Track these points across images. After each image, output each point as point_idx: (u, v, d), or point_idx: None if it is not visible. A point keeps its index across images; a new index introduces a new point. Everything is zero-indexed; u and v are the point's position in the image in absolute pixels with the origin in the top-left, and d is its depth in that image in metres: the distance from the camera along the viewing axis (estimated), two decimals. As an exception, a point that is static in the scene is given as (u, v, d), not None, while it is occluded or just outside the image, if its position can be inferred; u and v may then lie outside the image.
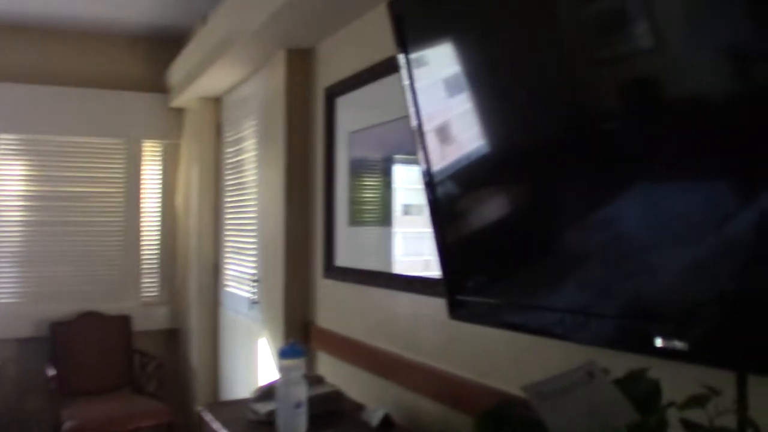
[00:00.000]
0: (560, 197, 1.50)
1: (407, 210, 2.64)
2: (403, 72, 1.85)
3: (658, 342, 1.26)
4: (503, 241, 1.69)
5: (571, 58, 1.43)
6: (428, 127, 1.82)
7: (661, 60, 1.22)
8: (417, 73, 1.82)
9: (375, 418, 2.32)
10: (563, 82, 1.44)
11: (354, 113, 3.03)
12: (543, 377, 1.17)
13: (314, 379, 2.55)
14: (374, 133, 2.83)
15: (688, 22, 1.16)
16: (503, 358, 2.02)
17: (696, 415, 1.12)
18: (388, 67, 2.59)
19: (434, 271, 2.26)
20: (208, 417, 2.44)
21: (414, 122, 1.85)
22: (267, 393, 2.38)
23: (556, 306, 1.51)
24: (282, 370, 2.18)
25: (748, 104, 1.06)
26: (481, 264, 1.79)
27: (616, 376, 1.23)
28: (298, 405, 2.13)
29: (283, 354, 2.19)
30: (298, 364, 2.17)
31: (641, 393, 1.12)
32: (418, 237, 2.47)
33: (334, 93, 3.17)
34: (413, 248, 2.64)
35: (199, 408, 2.59)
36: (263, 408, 2.34)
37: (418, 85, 1.83)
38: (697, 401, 1.08)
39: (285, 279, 3.40)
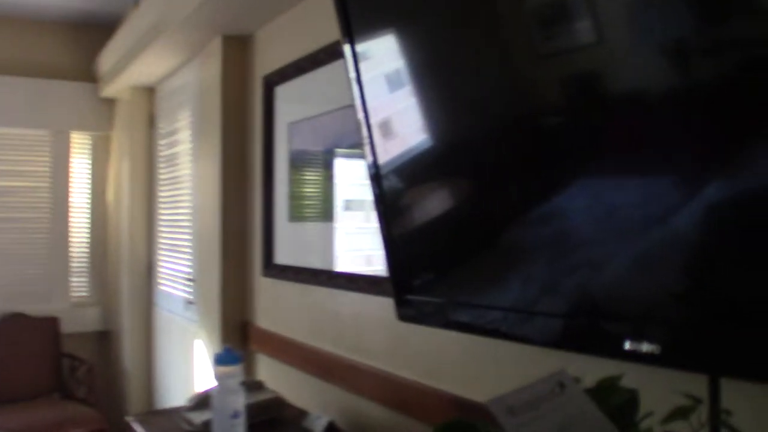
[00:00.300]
0: (507, 192, 1.44)
1: (348, 205, 2.53)
2: (350, 64, 1.75)
3: (627, 345, 1.17)
4: (450, 238, 1.61)
5: (514, 52, 1.39)
6: (374, 120, 1.73)
7: (604, 54, 1.19)
8: (363, 65, 1.74)
9: (318, 425, 2.21)
10: (506, 76, 1.40)
11: (294, 103, 2.90)
12: (498, 381, 1.08)
13: (253, 385, 2.42)
14: (315, 123, 2.70)
15: (630, 17, 1.13)
16: (456, 360, 1.92)
17: (677, 425, 1.02)
18: (330, 53, 2.48)
19: (378, 268, 2.16)
20: (139, 428, 2.27)
21: (360, 115, 1.75)
22: (202, 401, 2.24)
23: (506, 305, 1.43)
24: (218, 377, 2.04)
25: (692, 99, 1.04)
26: (428, 261, 1.70)
27: (583, 380, 1.13)
28: (234, 415, 2.00)
29: (219, 360, 2.05)
30: (234, 370, 2.03)
31: (617, 404, 1.01)
32: (360, 233, 2.36)
33: (273, 82, 3.03)
34: (355, 245, 2.52)
35: (128, 418, 2.41)
36: (198, 418, 2.20)
37: (364, 77, 1.74)
38: (680, 413, 0.97)
39: (222, 277, 3.26)
